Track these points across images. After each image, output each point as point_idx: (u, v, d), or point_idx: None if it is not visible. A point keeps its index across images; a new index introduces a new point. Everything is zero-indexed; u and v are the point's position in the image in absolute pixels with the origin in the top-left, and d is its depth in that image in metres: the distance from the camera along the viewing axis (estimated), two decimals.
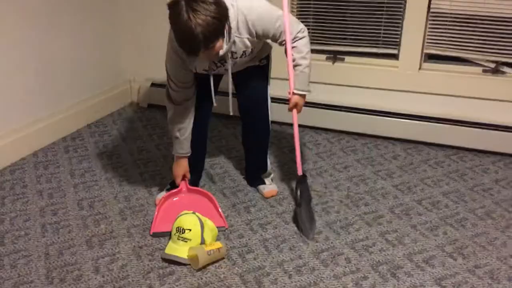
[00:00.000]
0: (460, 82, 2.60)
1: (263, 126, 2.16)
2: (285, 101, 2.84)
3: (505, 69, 2.54)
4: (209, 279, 1.71)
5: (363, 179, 2.36)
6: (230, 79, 1.92)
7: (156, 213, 1.98)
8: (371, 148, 2.69)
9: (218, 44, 1.67)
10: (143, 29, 3.14)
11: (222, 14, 1.63)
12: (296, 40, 1.88)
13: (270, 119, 2.15)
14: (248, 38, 1.81)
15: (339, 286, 1.67)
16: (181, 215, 1.85)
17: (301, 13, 2.80)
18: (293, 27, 1.86)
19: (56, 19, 2.69)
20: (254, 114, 2.11)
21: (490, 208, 2.12)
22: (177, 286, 1.68)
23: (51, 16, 2.65)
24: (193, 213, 1.85)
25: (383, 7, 2.63)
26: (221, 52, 1.76)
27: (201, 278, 1.71)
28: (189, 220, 1.82)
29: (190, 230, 1.79)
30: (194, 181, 2.19)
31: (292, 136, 2.81)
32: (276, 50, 2.05)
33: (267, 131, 2.18)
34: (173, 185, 2.14)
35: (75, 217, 2.07)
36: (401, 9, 2.59)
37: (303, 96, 1.95)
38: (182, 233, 1.79)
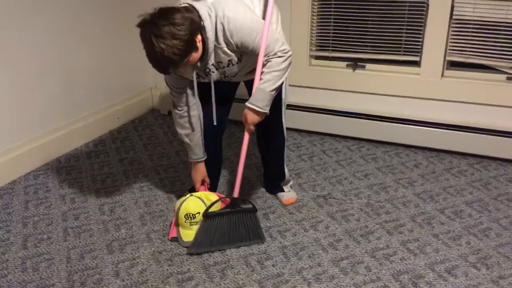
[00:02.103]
0: (484, 90, 2.55)
1: (277, 134, 2.13)
2: (302, 108, 2.87)
3: None
4: (228, 285, 1.70)
5: (383, 187, 2.34)
6: (213, 90, 1.86)
7: (174, 218, 2.00)
8: (392, 156, 2.66)
9: (190, 58, 1.66)
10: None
11: (188, 32, 1.60)
12: (274, 57, 1.76)
13: (285, 126, 2.13)
14: (226, 46, 1.75)
15: None
16: (182, 202, 1.90)
17: (322, 20, 2.80)
18: (276, 45, 1.76)
19: (78, 28, 2.74)
20: (268, 122, 1.99)
21: None
22: None
23: (73, 24, 2.70)
24: (191, 195, 1.92)
25: (404, 13, 2.61)
26: (201, 63, 1.75)
27: (220, 284, 1.71)
28: (193, 204, 1.89)
29: (199, 213, 1.86)
30: (212, 187, 2.19)
31: (311, 143, 2.82)
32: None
33: (282, 139, 2.15)
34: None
35: (96, 221, 2.09)
36: (423, 16, 2.57)
37: (255, 112, 1.78)
38: (193, 218, 1.86)
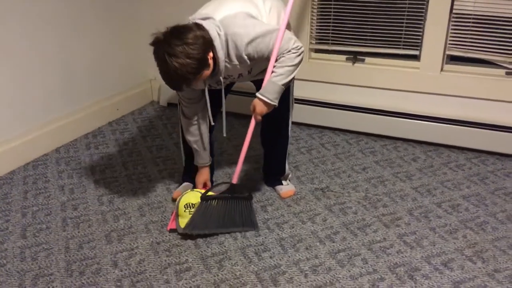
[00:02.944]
0: (483, 84, 2.55)
1: (282, 132, 2.14)
2: (301, 101, 2.87)
3: None
4: (225, 276, 1.72)
5: (381, 181, 2.35)
6: (224, 101, 1.90)
7: (175, 210, 2.01)
8: (390, 150, 2.67)
9: (203, 75, 1.70)
10: (163, 29, 3.17)
11: (200, 51, 1.64)
12: (288, 54, 1.78)
13: (291, 121, 2.14)
14: (239, 64, 1.80)
15: (355, 287, 1.66)
16: (183, 195, 1.96)
17: (322, 13, 2.80)
18: (289, 43, 1.78)
19: (78, 20, 2.74)
20: (274, 119, 2.03)
21: (511, 212, 2.08)
22: (193, 282, 1.69)
23: (73, 16, 2.70)
24: (191, 190, 1.98)
25: (404, 7, 2.61)
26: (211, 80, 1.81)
27: (217, 275, 1.72)
28: (193, 196, 1.93)
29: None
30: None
31: (310, 136, 2.82)
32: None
33: (286, 137, 2.16)
34: (186, 179, 2.19)
35: (95, 212, 2.10)
36: (423, 10, 2.57)
37: (264, 103, 1.81)
38: (192, 207, 1.89)
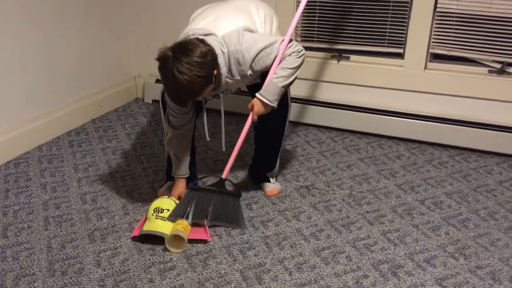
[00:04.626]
0: (466, 82, 2.58)
1: (280, 125, 2.11)
2: (296, 100, 2.87)
3: (511, 69, 2.52)
4: (210, 274, 1.71)
5: (366, 178, 2.36)
6: (223, 116, 1.94)
7: (144, 215, 1.98)
8: (374, 147, 2.69)
9: (206, 91, 1.74)
10: (148, 25, 3.15)
11: (208, 68, 1.68)
12: (288, 56, 1.83)
13: (288, 119, 2.12)
14: (240, 79, 1.84)
15: (339, 284, 1.67)
16: (156, 199, 1.96)
17: (307, 11, 2.80)
18: (290, 48, 1.83)
19: (62, 15, 2.70)
20: (273, 112, 1.96)
21: (493, 209, 2.11)
22: (177, 281, 1.68)
23: (57, 11, 2.66)
24: (168, 197, 1.97)
25: (389, 6, 2.62)
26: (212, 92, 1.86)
27: (202, 274, 1.71)
28: (166, 202, 1.94)
29: (168, 210, 1.90)
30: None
31: (295, 134, 2.83)
32: None
33: (283, 130, 2.13)
34: (170, 178, 2.15)
35: (78, 211, 2.08)
36: (407, 8, 2.58)
37: (263, 103, 1.84)
38: (161, 212, 1.88)
